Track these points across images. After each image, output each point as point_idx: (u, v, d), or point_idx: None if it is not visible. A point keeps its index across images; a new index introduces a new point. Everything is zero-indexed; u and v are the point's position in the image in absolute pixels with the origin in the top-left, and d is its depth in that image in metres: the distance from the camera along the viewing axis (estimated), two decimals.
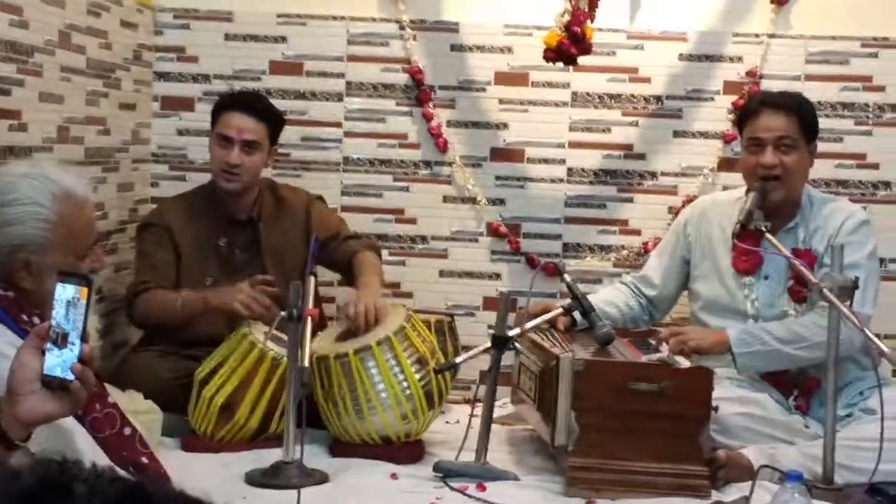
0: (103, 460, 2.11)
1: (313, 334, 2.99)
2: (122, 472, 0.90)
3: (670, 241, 3.64)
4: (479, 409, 3.15)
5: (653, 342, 3.37)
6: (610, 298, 3.61)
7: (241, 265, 3.66)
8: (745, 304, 3.40)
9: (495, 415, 3.22)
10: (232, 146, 3.56)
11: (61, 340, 1.69)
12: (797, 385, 3.36)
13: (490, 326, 3.61)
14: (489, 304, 4.07)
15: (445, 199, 4.14)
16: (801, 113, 3.39)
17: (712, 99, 4.08)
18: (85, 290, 1.70)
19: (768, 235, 3.18)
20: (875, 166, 4.06)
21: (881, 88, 4.05)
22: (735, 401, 3.18)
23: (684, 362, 3.11)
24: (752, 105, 3.45)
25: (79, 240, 2.24)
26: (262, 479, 2.94)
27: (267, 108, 3.66)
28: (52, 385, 1.69)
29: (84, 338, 1.71)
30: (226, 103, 3.63)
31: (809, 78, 4.05)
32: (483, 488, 2.92)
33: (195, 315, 3.45)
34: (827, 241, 3.33)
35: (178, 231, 3.62)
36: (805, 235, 3.39)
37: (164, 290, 3.52)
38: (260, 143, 3.60)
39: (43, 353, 1.70)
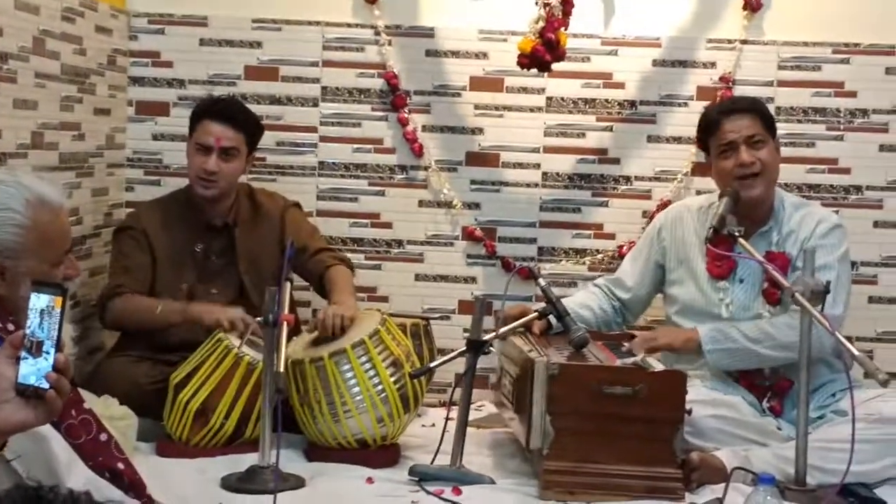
0: (79, 466, 2.12)
1: (288, 339, 3.00)
2: (99, 493, 0.90)
3: (644, 245, 3.67)
4: (454, 413, 3.16)
5: (626, 345, 3.39)
6: (583, 301, 3.63)
7: (216, 271, 3.66)
8: (720, 308, 3.43)
9: (471, 418, 3.24)
10: (210, 154, 3.57)
11: (36, 349, 1.69)
12: (770, 387, 3.39)
13: (465, 330, 3.62)
14: (465, 307, 4.09)
15: (421, 203, 4.16)
16: (760, 113, 3.46)
17: (686, 104, 4.12)
18: (59, 299, 1.70)
19: (741, 240, 3.21)
20: (846, 171, 4.10)
21: (853, 94, 4.09)
22: (708, 403, 3.20)
23: (658, 366, 3.13)
24: (711, 117, 3.48)
25: (53, 246, 2.24)
26: (238, 483, 2.95)
27: (246, 116, 3.67)
28: (27, 394, 1.69)
29: (59, 346, 1.71)
30: (204, 111, 3.63)
31: (781, 84, 4.09)
32: (459, 492, 2.94)
33: (173, 324, 3.46)
34: (800, 244, 3.37)
35: (155, 236, 3.62)
36: (778, 239, 3.43)
37: (141, 296, 3.53)
38: (238, 150, 3.61)
39: (17, 361, 1.70)
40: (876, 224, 4.10)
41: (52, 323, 1.70)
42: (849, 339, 2.94)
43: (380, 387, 3.19)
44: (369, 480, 3.03)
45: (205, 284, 3.62)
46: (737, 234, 3.22)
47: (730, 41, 4.10)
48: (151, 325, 3.48)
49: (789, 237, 3.42)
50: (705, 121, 3.51)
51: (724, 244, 3.27)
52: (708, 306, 3.45)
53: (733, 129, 3.40)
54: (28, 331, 1.70)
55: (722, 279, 3.44)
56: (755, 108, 3.46)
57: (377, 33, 4.11)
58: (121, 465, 2.24)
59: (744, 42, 4.09)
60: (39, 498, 0.85)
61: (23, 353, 1.69)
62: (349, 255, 3.97)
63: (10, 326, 2.11)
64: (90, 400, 2.56)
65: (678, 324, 3.50)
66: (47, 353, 1.69)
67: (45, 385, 1.69)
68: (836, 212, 3.82)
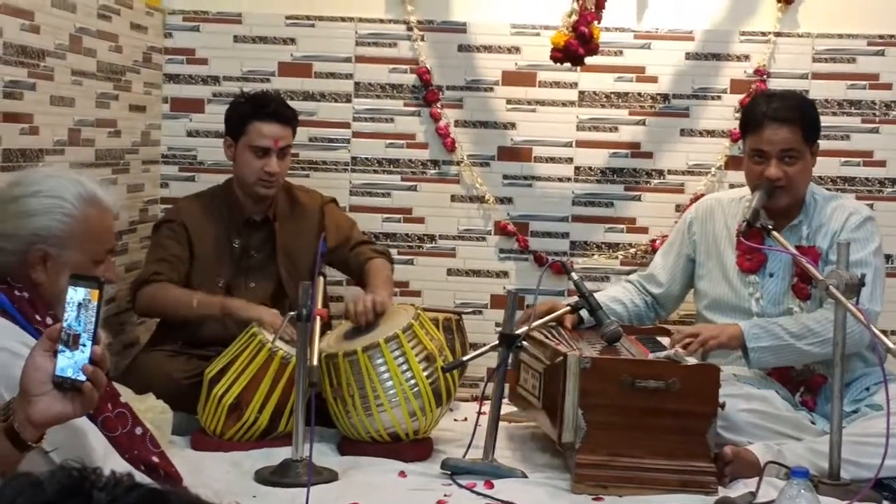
0: (116, 459, 2.14)
1: (321, 334, 3.02)
2: (139, 477, 0.92)
3: (676, 239, 3.66)
4: (486, 407, 3.17)
5: (660, 340, 3.38)
6: (616, 296, 3.63)
7: (254, 266, 3.69)
8: (750, 303, 3.42)
9: (503, 412, 3.24)
10: (269, 155, 3.60)
11: (73, 342, 1.72)
12: (803, 382, 3.37)
13: (498, 324, 3.62)
14: (497, 302, 4.09)
15: (453, 198, 4.17)
16: (805, 121, 3.36)
17: (719, 97, 4.10)
18: (96, 292, 1.72)
19: (774, 233, 3.19)
20: (882, 164, 4.07)
21: (888, 86, 4.06)
22: (742, 397, 3.19)
23: (691, 360, 3.12)
24: (755, 116, 3.37)
25: (97, 242, 2.27)
26: (272, 477, 2.97)
27: (290, 111, 3.71)
28: (64, 386, 1.72)
29: (95, 339, 1.73)
30: (254, 113, 3.63)
31: (816, 76, 4.07)
32: (491, 485, 2.94)
33: (209, 317, 3.48)
34: (831, 238, 3.35)
35: (194, 230, 3.65)
36: (809, 232, 3.41)
37: (177, 286, 3.55)
38: (290, 146, 3.69)
39: (55, 354, 1.72)
40: None
41: (88, 316, 1.72)
42: (884, 332, 2.92)
43: (413, 381, 3.20)
44: (402, 474, 3.04)
45: (241, 279, 3.65)
46: (770, 227, 3.20)
47: (764, 34, 4.07)
48: (185, 316, 3.50)
49: (819, 231, 3.40)
50: (749, 115, 3.43)
51: (755, 238, 3.25)
52: (738, 301, 3.43)
53: (770, 140, 3.33)
54: (65, 324, 1.72)
55: (752, 273, 3.43)
56: (800, 119, 3.35)
57: (410, 29, 4.12)
58: (156, 459, 2.27)
59: (778, 35, 4.07)
60: (83, 479, 0.86)
61: (60, 346, 1.72)
62: None
63: (49, 320, 2.14)
64: (128, 396, 2.60)
65: (708, 319, 3.49)
66: (84, 345, 1.72)
67: (82, 377, 1.72)
68: (871, 205, 3.79)
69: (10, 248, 2.19)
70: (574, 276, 3.32)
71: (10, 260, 2.20)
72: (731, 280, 3.46)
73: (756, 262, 3.41)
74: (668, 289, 3.64)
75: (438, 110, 4.12)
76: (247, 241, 3.70)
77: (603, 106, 4.12)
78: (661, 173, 4.13)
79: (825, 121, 3.92)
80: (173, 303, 3.52)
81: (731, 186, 3.96)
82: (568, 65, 3.74)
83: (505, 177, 4.15)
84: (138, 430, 2.27)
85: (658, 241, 4.05)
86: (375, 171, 4.17)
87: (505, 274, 4.17)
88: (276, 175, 3.62)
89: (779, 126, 3.34)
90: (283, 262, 3.68)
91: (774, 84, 4.03)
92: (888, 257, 3.76)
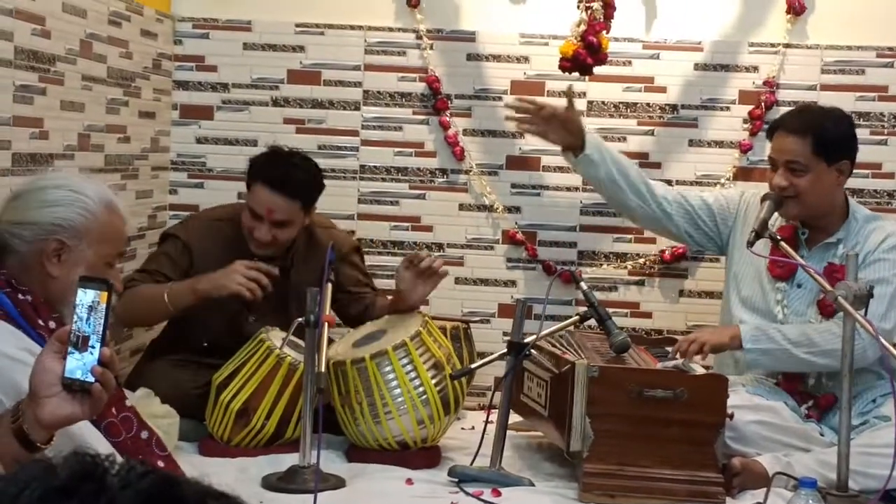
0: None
1: (330, 340, 3.01)
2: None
3: (722, 200, 3.58)
4: (494, 416, 3.16)
5: (671, 350, 3.37)
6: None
7: (263, 308, 3.46)
8: (776, 308, 3.40)
9: (510, 421, 3.24)
10: (261, 222, 3.43)
11: (82, 344, 1.72)
12: (812, 397, 3.35)
13: (505, 333, 3.62)
14: (505, 311, 4.09)
15: (462, 206, 4.16)
16: (818, 136, 3.30)
17: (728, 108, 4.10)
18: (105, 294, 1.73)
19: (783, 244, 3.18)
20: (890, 176, 4.06)
21: None
22: (750, 408, 3.18)
23: (699, 369, 3.11)
24: (773, 125, 3.42)
25: (110, 244, 2.33)
26: (279, 483, 2.96)
27: (301, 186, 3.46)
28: (73, 388, 1.72)
29: (104, 341, 1.74)
30: (259, 173, 3.45)
31: (825, 87, 4.06)
32: (498, 494, 2.94)
33: (186, 307, 3.35)
34: (863, 258, 3.31)
35: (199, 256, 3.51)
36: (844, 251, 3.37)
37: (147, 285, 3.42)
38: (291, 221, 3.46)
39: (64, 356, 1.73)
40: None
41: (97, 318, 1.73)
42: (894, 345, 2.90)
43: (421, 389, 3.20)
44: (409, 482, 3.03)
45: (248, 316, 3.51)
46: (778, 238, 3.19)
47: (773, 45, 4.07)
48: (164, 314, 3.42)
49: (853, 250, 3.36)
50: (771, 123, 3.47)
51: (790, 246, 3.21)
52: (765, 304, 3.41)
53: (777, 149, 3.34)
54: (74, 326, 1.73)
55: (781, 280, 3.41)
56: (812, 132, 3.29)
57: (419, 37, 4.13)
58: (161, 463, 2.27)
59: (787, 46, 4.07)
60: (96, 464, 0.86)
61: (69, 348, 1.73)
62: (389, 258, 4.00)
63: (52, 324, 2.15)
64: (131, 398, 2.59)
65: (734, 314, 3.42)
66: (93, 347, 1.73)
67: (91, 379, 1.72)
68: None
69: (29, 237, 2.24)
70: (583, 285, 3.31)
71: (25, 250, 2.22)
72: (762, 281, 3.43)
73: (787, 269, 3.38)
74: (680, 204, 3.56)
75: (447, 119, 4.12)
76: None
77: (611, 116, 4.12)
78: (669, 183, 4.10)
79: None
80: (149, 304, 3.39)
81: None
82: (576, 74, 3.75)
83: (513, 186, 4.15)
84: (144, 434, 2.27)
85: (666, 251, 4.05)
86: (384, 180, 4.17)
87: (513, 283, 4.16)
88: (266, 243, 3.44)
89: (786, 136, 3.33)
90: (295, 306, 3.40)
91: (783, 95, 4.03)
92: None
